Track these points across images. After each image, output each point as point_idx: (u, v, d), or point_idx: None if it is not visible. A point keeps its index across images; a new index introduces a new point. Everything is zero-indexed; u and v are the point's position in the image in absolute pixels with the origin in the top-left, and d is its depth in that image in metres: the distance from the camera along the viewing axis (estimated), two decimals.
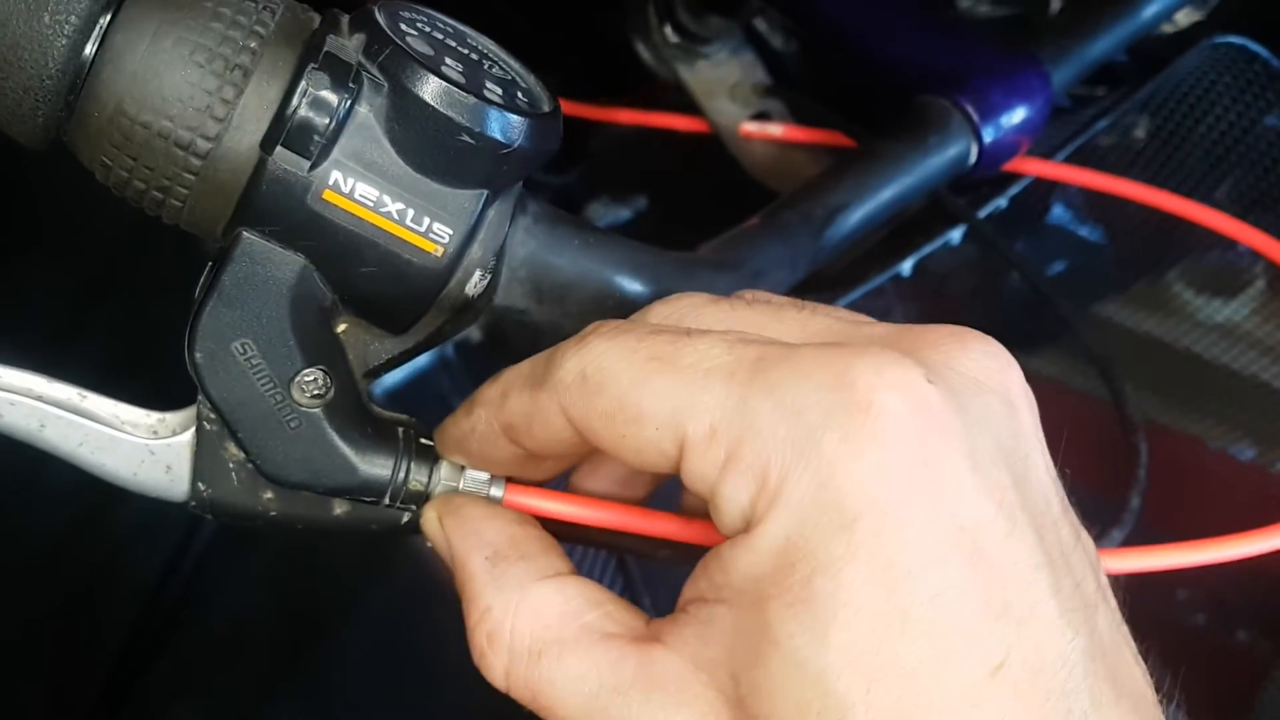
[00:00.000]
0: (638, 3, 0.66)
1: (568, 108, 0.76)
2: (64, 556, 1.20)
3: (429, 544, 0.33)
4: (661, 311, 0.30)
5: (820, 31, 0.59)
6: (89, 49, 0.28)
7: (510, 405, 0.30)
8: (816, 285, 0.61)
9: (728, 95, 0.66)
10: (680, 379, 0.26)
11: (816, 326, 0.29)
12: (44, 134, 0.29)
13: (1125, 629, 0.26)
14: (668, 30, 0.65)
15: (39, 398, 0.32)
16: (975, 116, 0.51)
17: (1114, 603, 0.26)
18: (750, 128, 0.65)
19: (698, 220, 0.83)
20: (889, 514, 0.24)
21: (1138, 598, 0.29)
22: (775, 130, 0.65)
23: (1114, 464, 0.47)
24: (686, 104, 0.67)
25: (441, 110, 0.28)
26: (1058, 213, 0.63)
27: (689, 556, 0.30)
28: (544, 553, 0.30)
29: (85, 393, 0.33)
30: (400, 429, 0.33)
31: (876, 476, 0.24)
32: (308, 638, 1.36)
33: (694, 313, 0.30)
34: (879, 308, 0.67)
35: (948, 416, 0.25)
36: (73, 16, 0.27)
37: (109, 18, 0.28)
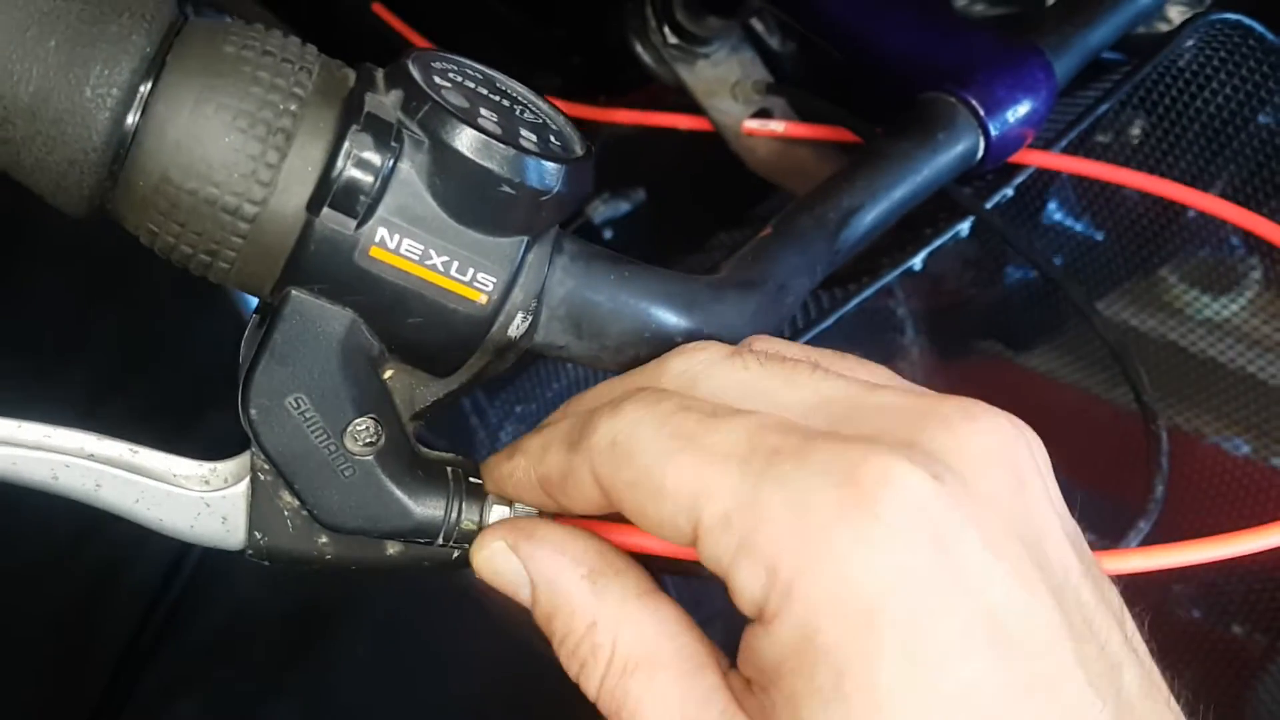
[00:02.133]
0: (635, 5, 0.66)
1: (568, 108, 0.77)
2: (66, 557, 1.20)
3: (483, 576, 0.33)
4: (677, 366, 0.31)
5: (821, 30, 0.59)
6: (131, 119, 0.28)
7: (548, 460, 0.31)
8: (828, 282, 0.62)
9: (729, 94, 0.66)
10: (701, 461, 0.27)
11: (829, 392, 0.29)
12: (89, 204, 0.29)
13: (1156, 674, 0.27)
14: (666, 31, 0.66)
15: (91, 456, 0.33)
16: (981, 112, 0.52)
17: (1142, 649, 0.27)
18: (752, 125, 0.65)
19: (697, 215, 0.84)
20: (909, 607, 0.24)
21: (1132, 592, 0.29)
22: (777, 127, 0.65)
23: (1133, 453, 0.48)
24: (688, 104, 0.68)
25: (482, 163, 0.29)
26: (1052, 209, 0.63)
27: None
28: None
29: (136, 448, 0.33)
30: (449, 469, 0.34)
31: (892, 571, 0.24)
32: (308, 638, 1.37)
33: (708, 370, 0.31)
34: (890, 303, 0.68)
35: (957, 504, 0.25)
36: (114, 89, 0.28)
37: (149, 86, 0.28)
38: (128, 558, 1.30)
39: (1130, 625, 0.27)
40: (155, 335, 1.50)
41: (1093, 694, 0.25)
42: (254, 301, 0.33)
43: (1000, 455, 0.27)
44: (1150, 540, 0.44)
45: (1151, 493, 0.44)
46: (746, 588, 0.26)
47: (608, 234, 0.84)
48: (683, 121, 0.68)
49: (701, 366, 0.31)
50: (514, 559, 0.31)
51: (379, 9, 0.76)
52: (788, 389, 0.29)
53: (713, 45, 0.66)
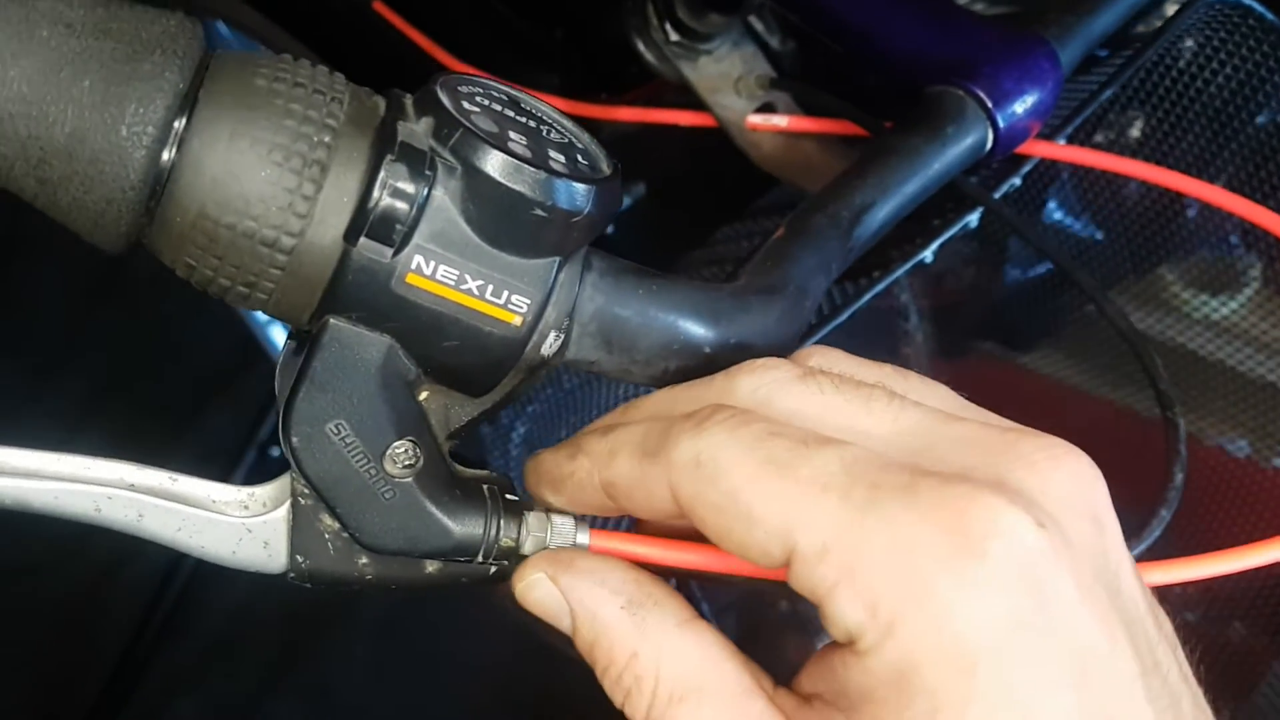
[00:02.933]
0: (636, 3, 0.66)
1: (569, 107, 0.77)
2: (66, 557, 1.21)
3: (524, 605, 0.33)
4: (749, 384, 0.31)
5: (824, 25, 0.59)
6: (167, 155, 0.28)
7: (617, 467, 0.31)
8: (839, 276, 0.62)
9: (732, 89, 0.66)
10: (795, 489, 0.27)
11: (908, 423, 0.30)
12: (126, 240, 0.30)
13: (1202, 698, 0.28)
14: (668, 29, 0.66)
15: (131, 486, 0.33)
16: (990, 104, 0.52)
17: (1191, 675, 0.29)
18: (756, 120, 0.66)
19: (700, 209, 0.84)
20: (1006, 655, 0.25)
21: None
22: (780, 122, 0.65)
23: (1136, 450, 0.48)
24: (689, 100, 0.68)
25: (514, 188, 0.29)
26: (1051, 208, 0.63)
27: (765, 587, 0.32)
28: (670, 597, 0.31)
29: (175, 475, 0.34)
30: (485, 486, 0.34)
31: (994, 619, 0.25)
32: (308, 638, 1.38)
33: (781, 390, 0.31)
34: (894, 291, 0.68)
35: (1056, 555, 0.26)
36: (150, 127, 0.28)
37: (184, 122, 0.28)
38: (127, 557, 1.30)
39: (1181, 653, 0.29)
40: (155, 334, 1.50)
41: None
42: None
43: (1083, 498, 0.28)
44: (1169, 529, 0.45)
45: (1171, 480, 0.45)
46: (843, 618, 0.26)
47: (610, 229, 0.85)
48: (684, 118, 0.69)
49: (774, 386, 0.31)
50: (554, 589, 0.32)
51: (379, 7, 0.76)
52: (865, 416, 0.30)
53: (715, 41, 0.66)
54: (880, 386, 0.31)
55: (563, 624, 0.32)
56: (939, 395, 0.32)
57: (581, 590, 0.31)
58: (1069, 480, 0.28)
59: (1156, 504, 0.44)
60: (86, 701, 1.33)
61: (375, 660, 1.37)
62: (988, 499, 0.26)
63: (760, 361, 0.32)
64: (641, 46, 0.67)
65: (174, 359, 1.55)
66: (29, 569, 1.28)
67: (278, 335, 1.06)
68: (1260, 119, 0.63)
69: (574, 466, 0.32)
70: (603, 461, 0.31)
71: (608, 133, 0.74)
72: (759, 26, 0.66)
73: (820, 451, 0.28)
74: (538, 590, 0.32)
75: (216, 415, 1.50)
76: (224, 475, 0.34)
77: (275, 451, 1.42)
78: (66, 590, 1.34)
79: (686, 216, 0.84)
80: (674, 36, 0.66)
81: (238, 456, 1.40)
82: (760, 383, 0.31)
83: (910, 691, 0.26)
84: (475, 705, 1.32)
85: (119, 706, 1.34)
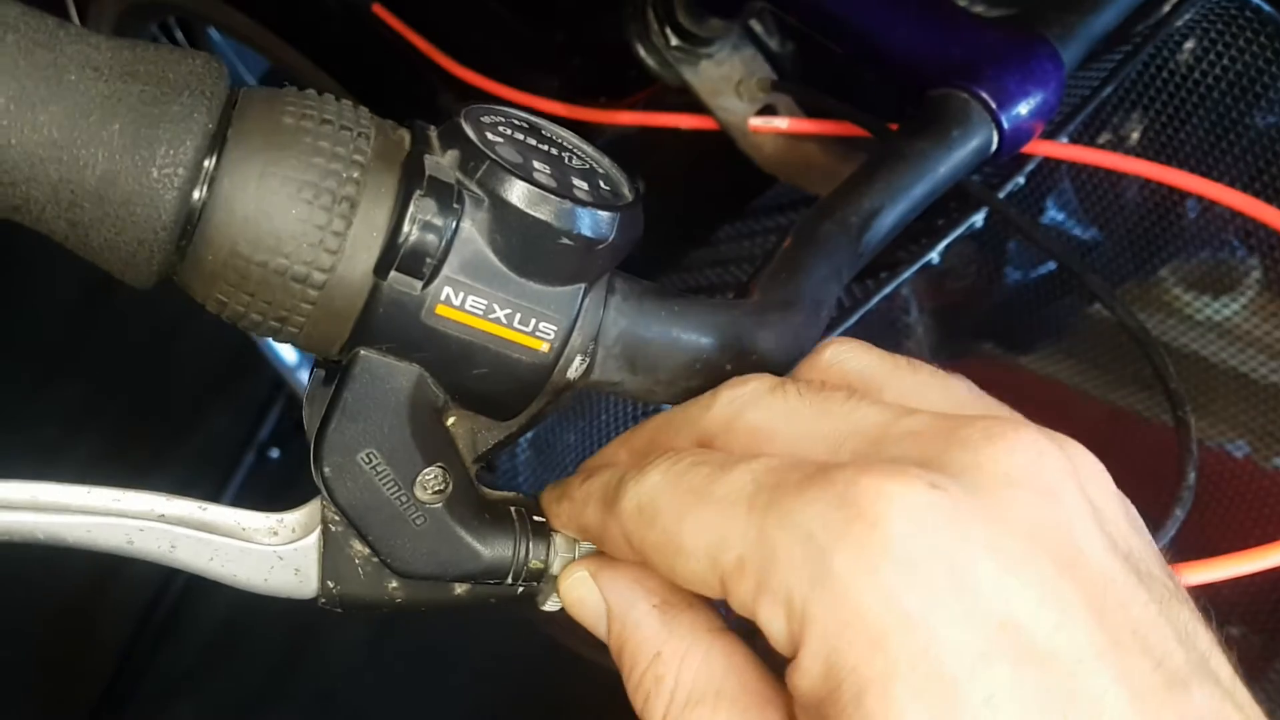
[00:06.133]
0: (636, 9, 0.66)
1: (569, 111, 0.77)
2: (66, 557, 1.22)
3: (559, 608, 0.34)
4: (725, 396, 0.32)
5: (824, 28, 0.60)
6: (197, 195, 0.29)
7: (587, 515, 0.32)
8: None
9: (734, 92, 0.66)
10: (712, 512, 0.27)
11: (860, 421, 0.29)
12: (157, 278, 0.30)
13: (1240, 692, 0.26)
14: (668, 33, 0.66)
15: (161, 517, 0.33)
16: (994, 106, 0.52)
17: (1223, 667, 0.26)
18: (757, 123, 0.66)
19: (699, 211, 0.84)
20: (919, 622, 0.24)
21: None
22: (781, 124, 0.65)
23: (1149, 439, 0.48)
24: (688, 104, 0.68)
25: (540, 218, 0.29)
26: (1051, 210, 0.63)
27: None
28: (704, 605, 0.31)
29: (205, 504, 0.34)
30: (512, 509, 0.34)
31: (896, 587, 0.24)
32: (307, 638, 1.38)
33: (754, 401, 0.31)
34: (898, 294, 0.69)
35: (961, 517, 0.25)
36: (180, 168, 0.28)
37: (214, 162, 0.29)
38: (127, 558, 1.30)
39: (1205, 643, 0.26)
40: (155, 335, 1.50)
41: (1139, 711, 0.24)
42: None
43: (1025, 471, 0.26)
44: (1183, 527, 0.46)
45: (1184, 479, 0.45)
46: (771, 627, 0.26)
47: None
48: (684, 121, 0.69)
49: (746, 399, 0.31)
50: (594, 588, 0.32)
51: (379, 10, 0.76)
52: (820, 420, 0.29)
53: (715, 45, 0.66)
54: (844, 388, 0.30)
55: (600, 629, 0.32)
56: (941, 389, 0.31)
57: (618, 586, 0.32)
58: (1009, 455, 0.26)
59: (1169, 504, 0.45)
60: (87, 702, 1.34)
61: (375, 661, 1.37)
62: (878, 468, 0.25)
63: (741, 378, 0.32)
64: (642, 52, 0.67)
65: (173, 360, 1.55)
66: (29, 569, 1.28)
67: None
68: (1260, 112, 0.63)
69: (559, 510, 0.33)
70: (579, 509, 0.32)
71: (608, 135, 0.74)
72: (759, 29, 0.66)
73: (735, 469, 0.28)
74: (580, 589, 0.32)
75: (215, 417, 1.50)
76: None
77: (274, 453, 1.43)
78: (67, 591, 1.35)
79: (687, 217, 0.84)
80: (674, 41, 0.66)
81: (237, 458, 1.41)
82: (735, 396, 0.31)
83: (837, 679, 0.24)
84: (476, 706, 1.33)
85: (119, 707, 1.34)
